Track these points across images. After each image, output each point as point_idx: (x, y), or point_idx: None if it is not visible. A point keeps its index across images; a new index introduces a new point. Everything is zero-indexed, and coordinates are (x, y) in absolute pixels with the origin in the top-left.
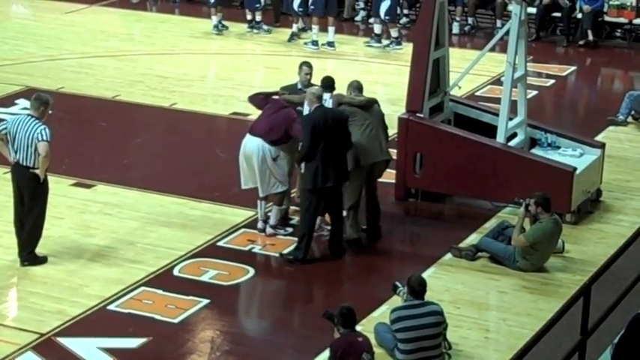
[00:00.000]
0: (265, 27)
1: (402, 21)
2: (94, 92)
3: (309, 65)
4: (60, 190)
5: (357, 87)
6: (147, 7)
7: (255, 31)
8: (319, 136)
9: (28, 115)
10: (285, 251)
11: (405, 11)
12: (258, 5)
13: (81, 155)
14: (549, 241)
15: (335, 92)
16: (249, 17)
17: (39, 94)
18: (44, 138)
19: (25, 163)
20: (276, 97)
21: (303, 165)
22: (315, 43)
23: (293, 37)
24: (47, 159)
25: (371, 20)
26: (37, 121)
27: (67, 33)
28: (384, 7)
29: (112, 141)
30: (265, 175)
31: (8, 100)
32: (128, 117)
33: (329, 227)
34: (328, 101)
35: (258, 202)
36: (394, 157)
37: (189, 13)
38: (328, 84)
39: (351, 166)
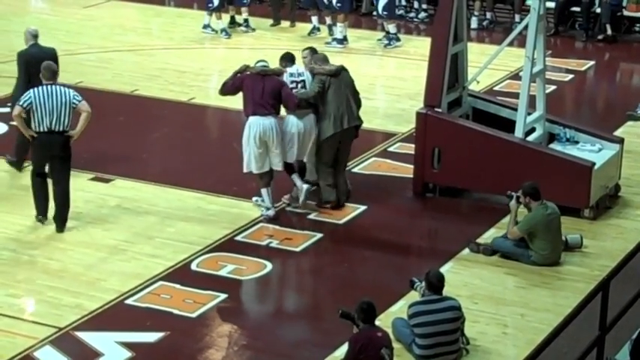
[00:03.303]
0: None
1: (420, 16)
2: (113, 86)
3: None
4: (78, 184)
5: (323, 58)
6: (165, 2)
7: (242, 28)
8: (34, 71)
9: (49, 84)
10: None
11: (424, 6)
12: (245, 1)
13: (99, 150)
14: (547, 227)
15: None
16: (243, 15)
17: (47, 64)
18: (81, 98)
19: (59, 129)
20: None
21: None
22: (340, 41)
23: (313, 30)
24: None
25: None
26: (61, 87)
27: (86, 27)
28: (381, 3)
29: (131, 135)
30: (283, 147)
31: None
32: (146, 111)
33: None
34: (303, 71)
35: (265, 189)
36: (412, 151)
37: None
38: (290, 57)
39: (327, 134)
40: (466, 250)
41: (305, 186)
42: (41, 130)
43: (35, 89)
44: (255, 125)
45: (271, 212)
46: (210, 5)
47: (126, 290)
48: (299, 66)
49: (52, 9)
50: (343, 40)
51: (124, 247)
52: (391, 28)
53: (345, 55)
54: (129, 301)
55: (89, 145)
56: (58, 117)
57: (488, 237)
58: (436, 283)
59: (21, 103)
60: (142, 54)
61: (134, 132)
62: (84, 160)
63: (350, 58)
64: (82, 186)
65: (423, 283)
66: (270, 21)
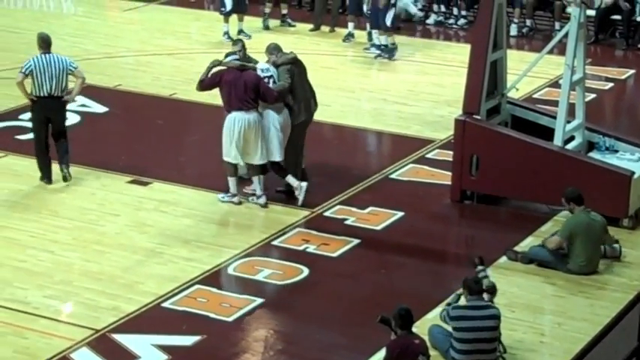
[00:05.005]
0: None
1: (459, 22)
2: (151, 90)
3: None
4: (116, 187)
5: (278, 48)
6: (204, 6)
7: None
8: None
9: (46, 53)
10: None
11: (464, 12)
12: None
13: (137, 153)
14: (586, 233)
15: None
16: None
17: (44, 35)
18: (77, 65)
19: (57, 94)
20: (219, 67)
21: None
22: (379, 47)
23: (348, 37)
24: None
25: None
26: (57, 55)
27: (125, 31)
28: (389, 17)
29: (169, 139)
30: (264, 141)
31: None
32: (184, 115)
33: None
34: (268, 66)
35: (256, 178)
36: (450, 158)
37: (246, 12)
38: (247, 58)
39: (300, 120)
40: (504, 258)
41: (304, 184)
42: (42, 94)
43: (35, 57)
44: (240, 120)
45: (262, 196)
46: (223, 9)
47: (163, 293)
48: (262, 62)
49: (91, 12)
50: (380, 47)
51: (161, 250)
52: (383, 39)
53: (383, 61)
54: (165, 304)
55: (127, 148)
56: (57, 82)
57: (526, 245)
58: (474, 286)
59: (23, 70)
60: (180, 58)
61: (172, 135)
62: (122, 163)
63: (389, 65)
64: (119, 188)
65: (484, 271)
66: (310, 25)
